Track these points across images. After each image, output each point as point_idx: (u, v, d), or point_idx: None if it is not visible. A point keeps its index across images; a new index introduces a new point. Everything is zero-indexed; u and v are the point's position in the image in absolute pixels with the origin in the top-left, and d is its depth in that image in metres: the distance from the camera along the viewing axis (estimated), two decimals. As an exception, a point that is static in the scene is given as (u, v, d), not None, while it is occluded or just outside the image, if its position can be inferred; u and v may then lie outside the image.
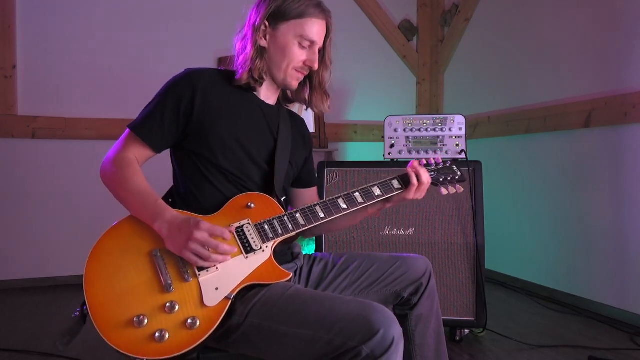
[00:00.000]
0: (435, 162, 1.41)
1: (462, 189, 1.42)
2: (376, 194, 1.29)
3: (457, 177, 1.41)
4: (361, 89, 3.80)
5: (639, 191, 2.34)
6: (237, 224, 1.16)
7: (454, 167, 1.43)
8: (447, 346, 1.40)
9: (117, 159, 1.20)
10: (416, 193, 1.30)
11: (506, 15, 3.22)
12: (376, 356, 0.94)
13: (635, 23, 2.37)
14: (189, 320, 1.02)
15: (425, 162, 1.39)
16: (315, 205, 1.23)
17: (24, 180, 3.04)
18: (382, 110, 3.41)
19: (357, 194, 1.27)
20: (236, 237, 1.15)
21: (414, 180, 1.29)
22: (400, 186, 1.31)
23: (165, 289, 1.05)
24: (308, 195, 1.49)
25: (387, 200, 1.32)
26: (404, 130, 2.22)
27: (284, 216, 1.20)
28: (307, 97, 1.38)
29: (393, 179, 1.32)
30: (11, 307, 2.63)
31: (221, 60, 3.25)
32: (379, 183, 1.31)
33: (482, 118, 3.38)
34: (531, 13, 3.01)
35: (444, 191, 1.39)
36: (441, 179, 1.39)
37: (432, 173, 1.38)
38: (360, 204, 1.27)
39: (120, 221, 1.16)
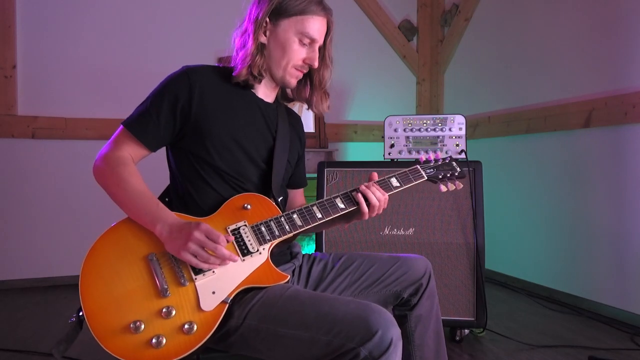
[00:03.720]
0: (435, 158, 1.39)
1: (462, 185, 1.40)
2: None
3: (456, 174, 1.39)
4: (361, 89, 3.79)
5: (639, 191, 2.34)
6: (233, 226, 1.15)
7: (453, 163, 1.41)
8: (447, 346, 1.40)
9: (112, 158, 1.17)
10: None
11: (506, 15, 3.22)
12: (374, 357, 0.93)
13: (635, 23, 2.36)
14: (186, 325, 1.01)
15: (424, 159, 1.38)
16: (312, 206, 1.22)
17: (24, 180, 3.04)
18: (382, 110, 3.42)
19: (354, 192, 1.26)
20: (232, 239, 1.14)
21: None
22: (399, 184, 1.31)
23: (162, 293, 1.04)
24: (296, 197, 1.47)
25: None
26: (404, 130, 2.22)
27: (280, 217, 1.18)
28: (307, 97, 1.36)
29: (392, 176, 1.31)
30: (11, 307, 2.63)
31: (221, 60, 3.25)
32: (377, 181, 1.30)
33: (482, 118, 3.38)
34: (531, 13, 3.01)
35: (442, 188, 1.38)
36: (440, 176, 1.38)
37: (431, 170, 1.37)
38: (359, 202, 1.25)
39: (116, 224, 1.14)
